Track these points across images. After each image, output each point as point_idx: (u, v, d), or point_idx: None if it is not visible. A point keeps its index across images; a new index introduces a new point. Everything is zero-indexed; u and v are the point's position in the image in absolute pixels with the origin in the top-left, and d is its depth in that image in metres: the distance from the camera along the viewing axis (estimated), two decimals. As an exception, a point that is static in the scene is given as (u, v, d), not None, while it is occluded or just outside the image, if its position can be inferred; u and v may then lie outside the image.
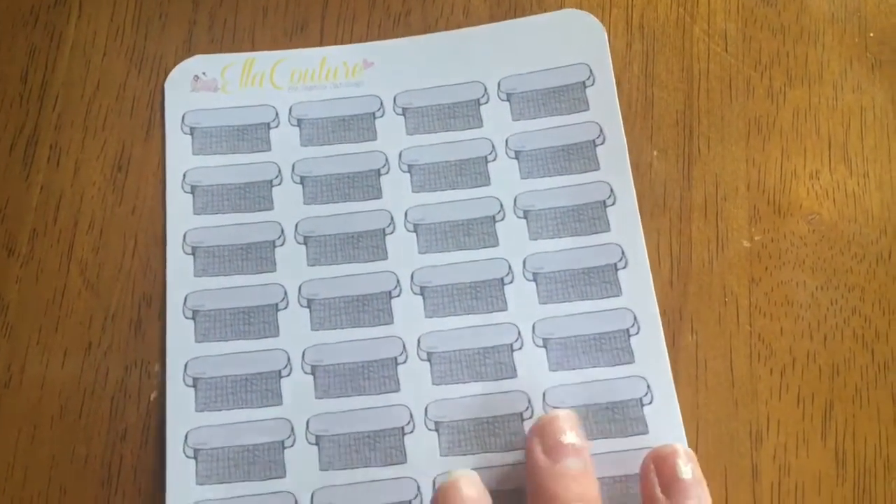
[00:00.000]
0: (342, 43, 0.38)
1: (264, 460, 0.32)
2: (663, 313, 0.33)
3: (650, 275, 0.34)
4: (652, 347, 0.32)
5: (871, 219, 0.35)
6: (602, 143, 0.36)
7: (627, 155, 0.35)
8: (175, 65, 0.38)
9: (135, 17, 0.39)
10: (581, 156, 0.35)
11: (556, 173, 0.35)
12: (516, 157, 0.36)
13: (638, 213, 0.34)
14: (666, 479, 0.28)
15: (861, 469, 0.32)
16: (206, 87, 0.37)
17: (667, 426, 0.31)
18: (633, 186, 0.35)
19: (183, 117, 0.37)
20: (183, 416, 0.32)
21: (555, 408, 0.32)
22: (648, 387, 0.32)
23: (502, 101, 0.37)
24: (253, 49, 0.38)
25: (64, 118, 0.38)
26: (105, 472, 0.32)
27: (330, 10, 0.39)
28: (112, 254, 0.35)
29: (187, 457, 0.32)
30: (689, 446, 0.31)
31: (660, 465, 0.29)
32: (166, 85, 0.38)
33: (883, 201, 0.35)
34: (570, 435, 0.29)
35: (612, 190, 0.35)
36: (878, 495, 0.31)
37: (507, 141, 0.36)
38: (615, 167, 0.35)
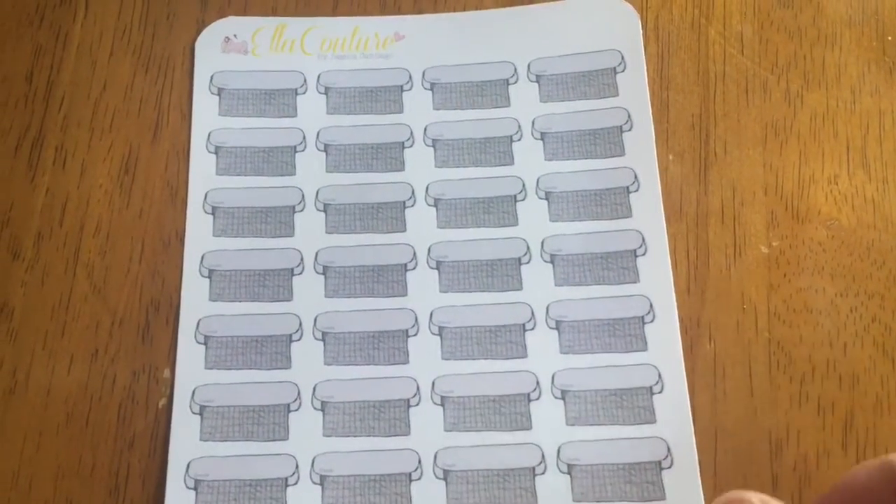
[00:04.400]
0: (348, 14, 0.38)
1: (269, 422, 0.32)
2: (680, 320, 0.33)
3: (669, 264, 0.33)
4: (666, 336, 0.32)
5: (891, 224, 0.34)
6: (629, 130, 0.35)
7: (654, 143, 0.35)
8: (182, 64, 0.38)
9: (142, 16, 0.39)
10: (607, 141, 0.35)
11: (580, 157, 0.35)
12: (542, 139, 0.36)
13: (661, 201, 0.34)
14: None
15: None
16: (236, 49, 0.37)
17: (674, 417, 0.31)
18: (657, 174, 0.34)
19: (212, 77, 0.37)
20: (191, 372, 0.32)
21: (566, 390, 0.31)
22: (660, 376, 0.32)
23: (531, 82, 0.37)
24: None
25: (70, 119, 0.37)
26: (112, 481, 0.32)
27: None
28: (119, 258, 0.35)
29: (193, 413, 0.32)
30: (707, 456, 0.31)
31: None
32: (197, 44, 0.38)
33: (903, 207, 0.35)
34: None
35: (636, 176, 0.35)
36: (899, 506, 0.31)
37: (533, 122, 0.36)
38: (641, 154, 0.35)
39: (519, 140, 0.36)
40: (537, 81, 0.37)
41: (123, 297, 0.34)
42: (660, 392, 0.31)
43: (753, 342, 0.33)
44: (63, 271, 0.35)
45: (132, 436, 0.32)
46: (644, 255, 0.33)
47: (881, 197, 0.35)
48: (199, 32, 0.38)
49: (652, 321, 0.32)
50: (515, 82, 0.37)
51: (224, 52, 0.37)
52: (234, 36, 0.38)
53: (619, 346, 0.32)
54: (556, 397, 0.32)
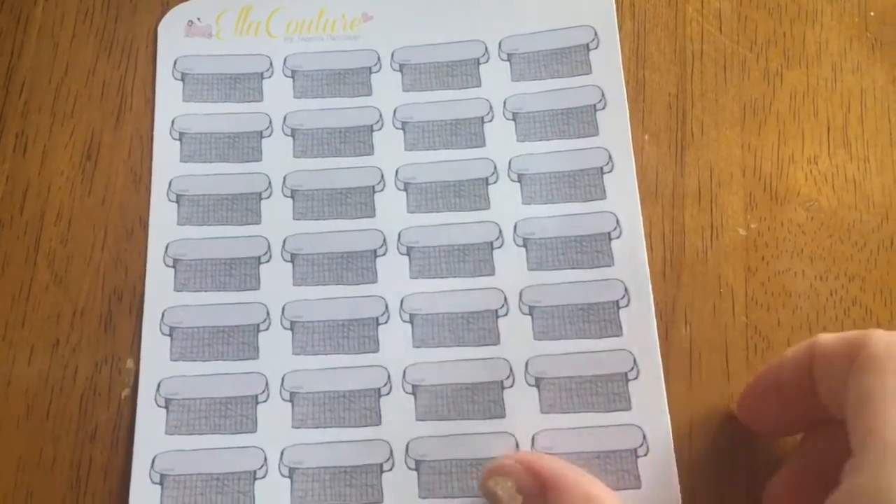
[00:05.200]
0: None
1: (237, 414, 0.31)
2: (655, 304, 0.32)
3: (644, 246, 0.32)
4: (641, 321, 0.31)
5: (872, 205, 0.33)
6: (603, 109, 0.34)
7: (629, 121, 0.34)
8: (146, 47, 0.37)
9: (104, -1, 0.38)
10: (580, 120, 0.34)
11: (553, 137, 0.34)
12: (513, 119, 0.35)
13: (635, 182, 0.33)
14: None
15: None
16: (200, 33, 0.36)
17: (650, 403, 0.30)
18: (632, 154, 0.34)
19: (175, 62, 0.36)
20: (156, 365, 0.32)
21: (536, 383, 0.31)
22: (635, 361, 0.31)
23: (503, 60, 0.36)
24: (227, 31, 0.37)
25: (31, 104, 0.36)
26: (74, 474, 0.31)
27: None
28: (81, 246, 0.34)
29: (158, 406, 0.31)
30: (682, 442, 0.30)
31: None
32: (159, 28, 0.36)
33: (884, 187, 0.34)
34: None
35: (610, 157, 0.34)
36: (879, 493, 0.30)
37: (505, 102, 0.35)
38: (615, 134, 0.34)
39: (490, 121, 0.35)
40: (509, 60, 0.36)
41: (85, 287, 0.33)
42: (635, 378, 0.31)
43: (730, 326, 0.32)
44: (23, 260, 0.34)
45: (94, 428, 0.31)
46: (618, 237, 0.33)
47: (862, 177, 0.34)
48: (163, 15, 0.37)
49: (627, 305, 0.32)
50: (486, 61, 0.36)
51: (188, 35, 0.36)
52: (198, 19, 0.36)
53: (594, 332, 0.31)
54: (529, 384, 0.31)
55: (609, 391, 0.31)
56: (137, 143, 0.35)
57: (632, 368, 0.31)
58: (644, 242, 0.32)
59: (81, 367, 0.32)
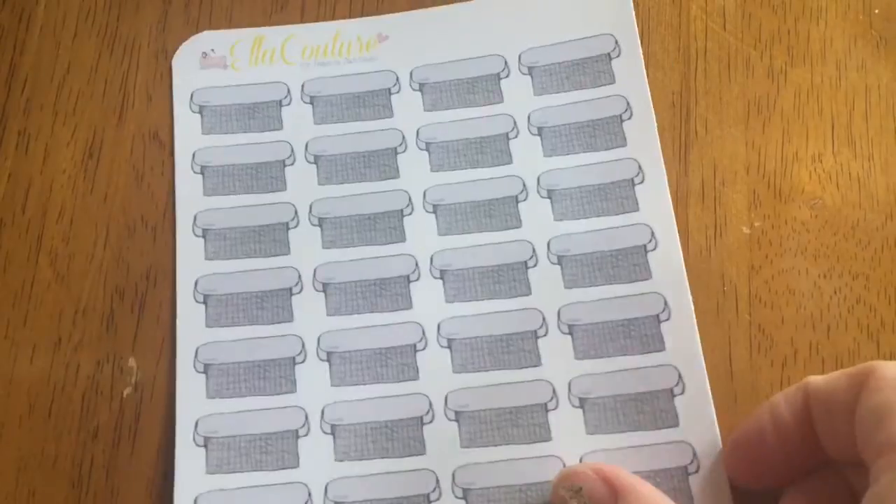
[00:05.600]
0: (323, 20, 0.37)
1: (278, 450, 0.31)
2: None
3: (682, 257, 0.32)
4: (684, 335, 0.31)
5: (877, 203, 0.33)
6: (629, 119, 0.34)
7: (656, 130, 0.34)
8: (149, 45, 0.37)
9: (107, -4, 0.38)
10: (607, 132, 0.34)
11: (580, 150, 0.34)
12: (539, 134, 0.34)
13: (668, 191, 0.33)
14: None
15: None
16: (214, 65, 0.36)
17: (699, 418, 0.29)
18: (662, 163, 0.33)
19: (192, 95, 0.36)
20: (193, 403, 0.31)
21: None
22: (680, 377, 0.30)
23: (524, 74, 0.35)
24: (230, 27, 0.37)
25: (33, 102, 0.36)
26: (76, 473, 0.31)
27: (311, -12, 0.37)
28: (83, 244, 0.34)
29: (197, 445, 0.31)
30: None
31: None
32: (174, 62, 0.36)
33: (888, 185, 0.34)
34: None
35: (640, 167, 0.33)
36: (883, 493, 0.30)
37: (529, 116, 0.34)
38: (644, 143, 0.33)
39: (515, 137, 0.34)
40: (529, 74, 0.35)
41: (87, 285, 0.33)
42: (681, 394, 0.30)
43: (734, 325, 0.32)
44: (25, 258, 0.34)
45: (96, 426, 0.31)
46: (654, 249, 0.32)
47: (867, 175, 0.34)
48: (164, 12, 0.37)
49: (668, 319, 0.31)
50: (507, 76, 0.35)
51: (203, 68, 0.36)
52: (212, 51, 0.36)
53: (636, 348, 0.31)
54: (574, 406, 0.30)
55: (655, 409, 0.30)
56: (139, 141, 0.35)
57: (677, 384, 0.30)
58: (681, 254, 0.32)
59: (83, 366, 0.32)
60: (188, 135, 0.35)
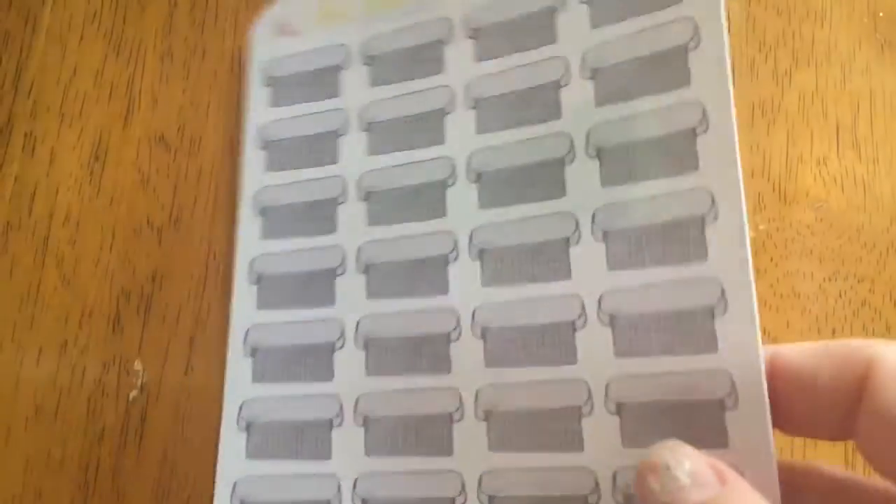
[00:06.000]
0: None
1: (311, 438, 0.30)
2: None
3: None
4: (742, 336, 0.25)
5: (882, 206, 0.33)
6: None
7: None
8: (155, 48, 0.37)
9: (111, 0, 0.38)
10: (672, 67, 0.28)
11: (640, 94, 0.28)
12: (592, 77, 0.29)
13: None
14: None
15: (870, 470, 0.30)
16: (287, 32, 0.35)
17: (753, 434, 0.24)
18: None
19: (263, 68, 0.34)
20: (240, 387, 0.31)
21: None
22: (733, 384, 0.24)
23: (581, 2, 0.30)
24: (236, 29, 0.37)
25: (39, 105, 0.36)
26: (82, 476, 0.31)
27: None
28: (89, 248, 0.34)
29: (241, 430, 0.30)
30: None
31: None
32: (250, 35, 0.35)
33: (893, 188, 0.34)
34: None
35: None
36: (889, 496, 0.30)
37: (584, 57, 0.29)
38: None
39: (567, 85, 0.29)
40: (589, 3, 0.30)
41: (93, 288, 0.33)
42: (733, 407, 0.24)
43: (739, 328, 0.32)
44: (32, 261, 0.34)
45: (102, 429, 0.32)
46: (724, 313, 0.25)
47: (871, 178, 0.34)
48: (170, 15, 0.37)
49: (724, 313, 0.25)
50: (563, 5, 0.30)
51: (281, 35, 0.34)
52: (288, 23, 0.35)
53: (687, 349, 0.26)
54: (610, 412, 0.26)
55: (702, 422, 0.25)
56: (145, 144, 0.35)
57: (729, 394, 0.25)
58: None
59: (89, 369, 0.32)
60: (257, 108, 0.34)
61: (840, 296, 0.32)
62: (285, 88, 0.34)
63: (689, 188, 0.26)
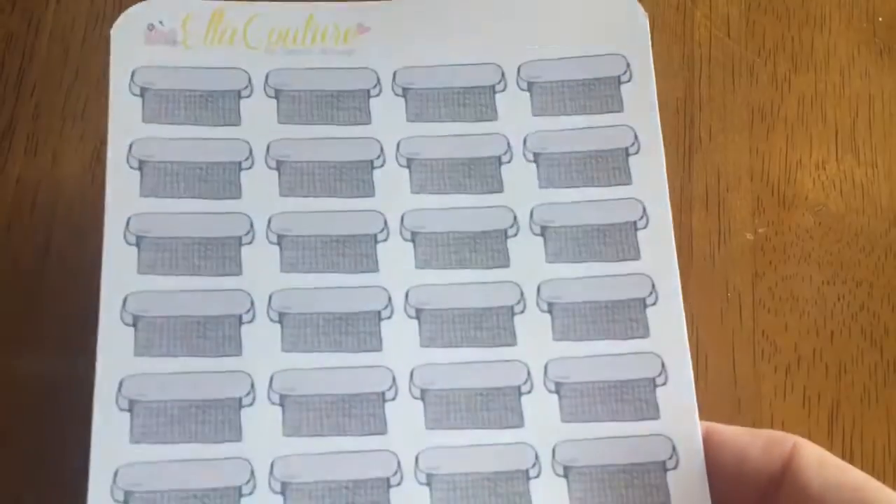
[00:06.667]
0: None
1: (215, 420, 0.27)
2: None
3: (683, 314, 0.28)
4: (683, 405, 0.27)
5: (880, 210, 0.33)
6: (636, 153, 0.30)
7: (664, 167, 0.29)
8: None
9: (115, 2, 0.38)
10: (611, 165, 0.30)
11: (581, 184, 0.30)
12: (535, 161, 0.30)
13: (672, 239, 0.29)
14: None
15: (869, 471, 0.30)
16: (162, 40, 0.31)
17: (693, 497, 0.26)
18: (669, 207, 0.29)
19: (132, 74, 0.30)
20: (118, 359, 0.27)
21: None
22: (674, 449, 0.26)
23: (522, 90, 0.31)
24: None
25: (42, 107, 0.36)
26: (82, 479, 0.31)
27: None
28: (91, 248, 0.34)
29: (121, 409, 0.27)
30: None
31: None
32: (112, 33, 0.31)
33: (892, 192, 0.34)
34: None
35: (644, 210, 0.29)
36: (886, 499, 0.30)
37: (525, 140, 0.30)
38: (649, 182, 0.29)
39: (509, 162, 0.30)
40: (529, 90, 0.31)
41: (95, 289, 0.33)
42: (674, 468, 0.26)
43: (737, 331, 0.32)
44: (33, 262, 0.34)
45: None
46: (654, 304, 0.28)
47: (870, 182, 0.34)
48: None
49: (664, 384, 0.27)
50: (503, 90, 0.31)
51: (148, 42, 0.31)
52: (160, 23, 0.31)
53: (628, 414, 0.27)
54: (557, 474, 0.27)
55: (645, 482, 0.26)
56: (147, 146, 0.36)
57: (670, 457, 0.27)
58: (682, 311, 0.28)
59: (92, 370, 0.32)
60: (125, 121, 0.30)
61: (839, 299, 0.32)
62: (164, 104, 0.30)
63: (630, 272, 0.29)
